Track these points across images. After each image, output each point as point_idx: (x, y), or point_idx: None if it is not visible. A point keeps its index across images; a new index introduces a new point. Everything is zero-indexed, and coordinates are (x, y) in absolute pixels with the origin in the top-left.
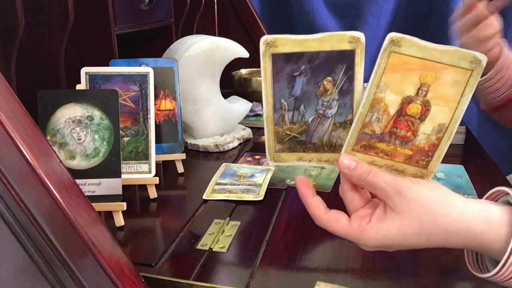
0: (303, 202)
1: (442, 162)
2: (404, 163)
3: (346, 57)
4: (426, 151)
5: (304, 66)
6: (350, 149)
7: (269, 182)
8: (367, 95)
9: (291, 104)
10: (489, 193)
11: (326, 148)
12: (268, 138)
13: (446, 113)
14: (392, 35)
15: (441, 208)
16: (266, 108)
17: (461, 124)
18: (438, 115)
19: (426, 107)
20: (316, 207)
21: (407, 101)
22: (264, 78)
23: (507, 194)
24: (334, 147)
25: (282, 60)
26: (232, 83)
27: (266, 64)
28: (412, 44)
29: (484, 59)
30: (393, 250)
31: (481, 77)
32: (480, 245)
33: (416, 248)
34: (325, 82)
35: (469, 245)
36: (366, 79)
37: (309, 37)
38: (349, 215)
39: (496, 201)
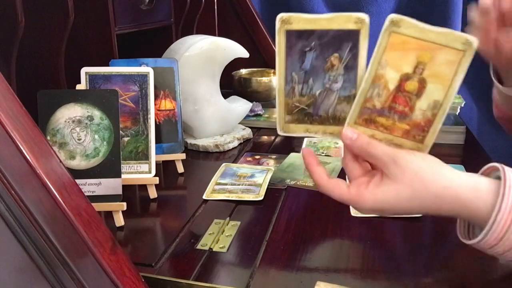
0: (308, 171)
1: (442, 162)
2: (402, 137)
3: (352, 36)
4: (422, 126)
5: (314, 42)
6: (353, 122)
7: (269, 182)
8: (369, 71)
9: (301, 77)
10: (482, 170)
11: (331, 120)
12: (279, 110)
13: (441, 91)
14: (392, 16)
15: (432, 176)
16: (279, 80)
17: (461, 124)
18: (433, 92)
19: (422, 84)
20: (320, 175)
21: (405, 78)
22: (278, 53)
23: (498, 169)
24: (339, 120)
25: (294, 37)
26: (232, 83)
27: (280, 40)
28: (411, 25)
29: (475, 41)
30: (387, 214)
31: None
32: (469, 213)
33: (410, 214)
34: (332, 58)
35: (459, 213)
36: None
37: (320, 16)
38: (349, 183)
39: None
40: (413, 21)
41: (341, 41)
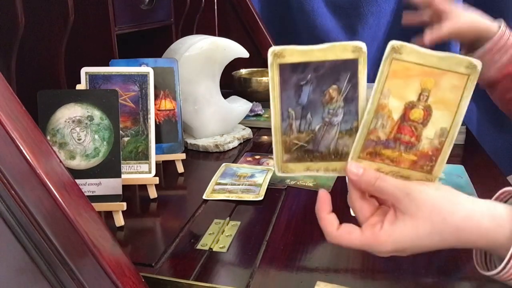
0: (317, 215)
1: (456, 190)
2: (409, 169)
3: (349, 66)
4: (430, 155)
5: (310, 75)
6: (357, 156)
7: (269, 182)
8: (372, 102)
9: (298, 112)
10: (497, 194)
11: (333, 156)
12: (276, 149)
13: (447, 117)
14: (393, 43)
15: (450, 207)
16: (274, 117)
17: (461, 124)
18: (439, 119)
19: (428, 111)
20: (330, 223)
21: (409, 106)
22: (272, 88)
23: None
24: (341, 155)
25: (289, 70)
26: (232, 83)
27: (273, 74)
28: (412, 51)
29: (479, 64)
30: (408, 253)
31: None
32: (489, 242)
33: (431, 250)
34: (330, 90)
35: (479, 243)
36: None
37: (314, 48)
38: (359, 225)
39: (505, 202)
40: (415, 46)
41: (339, 71)
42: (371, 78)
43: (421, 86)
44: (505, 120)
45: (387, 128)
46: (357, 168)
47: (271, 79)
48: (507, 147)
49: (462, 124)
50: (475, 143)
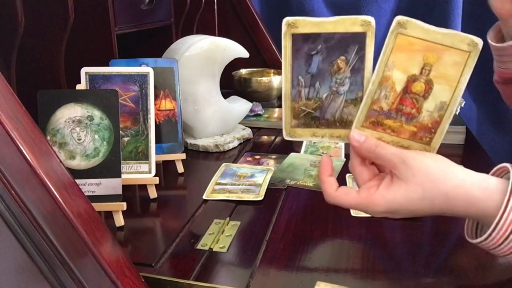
0: (319, 178)
1: (451, 161)
2: (409, 139)
3: (358, 39)
4: (429, 127)
5: (320, 45)
6: (360, 125)
7: (269, 182)
8: (376, 73)
9: (308, 81)
10: (493, 170)
11: (338, 124)
12: (285, 114)
13: (447, 91)
14: (399, 18)
15: (442, 175)
16: (285, 84)
17: (461, 124)
18: (440, 93)
19: (429, 85)
20: (330, 185)
21: (412, 79)
22: (284, 57)
23: (509, 171)
24: (345, 123)
25: (301, 40)
26: (232, 83)
27: (286, 43)
28: (417, 27)
29: (480, 42)
30: (399, 216)
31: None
32: (478, 212)
33: (421, 214)
34: (338, 61)
35: (469, 212)
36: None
37: (326, 20)
38: (358, 188)
39: (501, 177)
40: (420, 22)
41: (348, 44)
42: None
43: (424, 60)
44: (505, 120)
45: (389, 99)
46: (359, 135)
47: (284, 48)
48: (507, 147)
49: (462, 124)
50: (475, 143)
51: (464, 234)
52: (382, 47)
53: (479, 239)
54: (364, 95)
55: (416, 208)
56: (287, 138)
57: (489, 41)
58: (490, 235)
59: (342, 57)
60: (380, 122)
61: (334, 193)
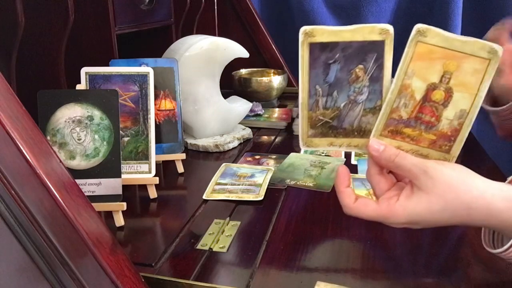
0: (336, 189)
1: (472, 171)
2: (428, 147)
3: (376, 47)
4: (448, 136)
5: (338, 54)
6: (379, 134)
7: (269, 182)
8: (396, 82)
9: (325, 90)
10: (509, 178)
11: (356, 133)
12: (302, 124)
13: (467, 99)
14: (419, 26)
15: (464, 186)
16: (302, 94)
17: None
18: (459, 101)
19: (449, 93)
20: (348, 196)
21: (431, 87)
22: (302, 66)
23: None
24: (364, 132)
25: (318, 49)
26: (232, 83)
27: (304, 53)
28: (436, 35)
29: (500, 49)
30: (420, 227)
31: (502, 106)
32: (499, 222)
33: (441, 225)
34: (357, 70)
35: (489, 222)
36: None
37: (343, 28)
38: (376, 198)
39: None
40: (439, 30)
41: (366, 52)
42: None
43: (444, 68)
44: None
45: (409, 107)
46: (378, 144)
47: (301, 57)
48: (507, 147)
49: None
50: (475, 143)
51: (482, 242)
52: (407, 43)
53: (500, 249)
54: (383, 104)
55: (437, 219)
56: (303, 148)
57: (488, 108)
58: (510, 247)
59: (360, 66)
60: (399, 131)
61: (352, 204)
